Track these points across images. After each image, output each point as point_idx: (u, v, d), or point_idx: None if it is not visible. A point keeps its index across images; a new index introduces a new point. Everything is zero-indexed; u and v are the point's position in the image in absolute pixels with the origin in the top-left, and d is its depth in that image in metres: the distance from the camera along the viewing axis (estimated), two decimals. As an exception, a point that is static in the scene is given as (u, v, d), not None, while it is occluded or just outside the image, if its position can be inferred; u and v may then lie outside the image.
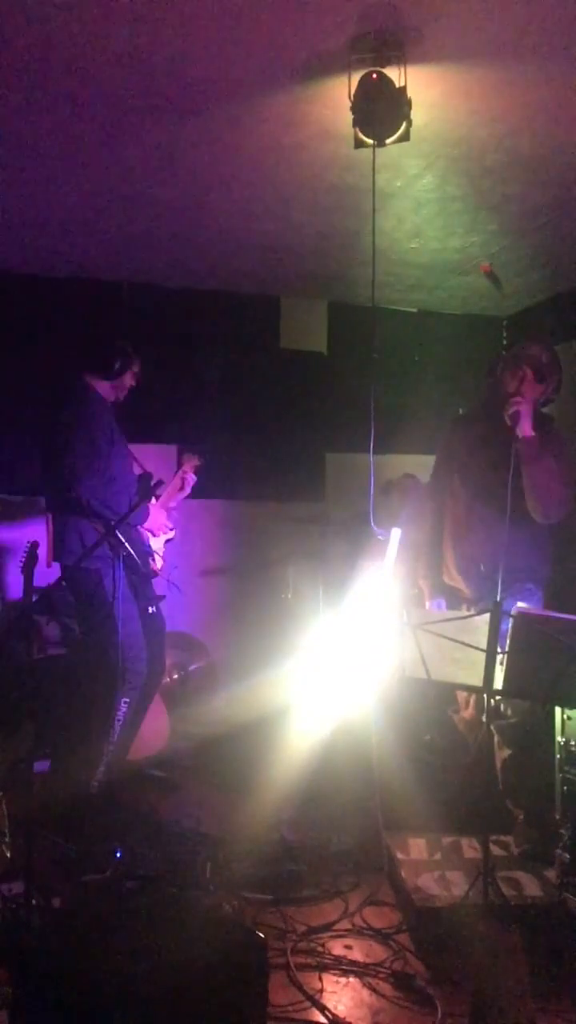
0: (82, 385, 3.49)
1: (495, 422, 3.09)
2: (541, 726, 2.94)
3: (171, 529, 3.80)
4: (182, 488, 3.86)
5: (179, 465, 4.05)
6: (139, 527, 3.56)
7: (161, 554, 3.72)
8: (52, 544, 3.51)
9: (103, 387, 3.52)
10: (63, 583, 3.38)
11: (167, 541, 3.78)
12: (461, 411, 4.70)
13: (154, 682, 3.61)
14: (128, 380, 3.57)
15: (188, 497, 3.91)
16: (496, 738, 3.03)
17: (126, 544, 3.24)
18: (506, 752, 3.07)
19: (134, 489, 3.49)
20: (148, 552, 3.61)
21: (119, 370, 3.50)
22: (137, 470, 3.65)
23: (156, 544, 3.69)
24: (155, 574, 3.65)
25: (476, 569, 3.10)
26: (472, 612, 2.63)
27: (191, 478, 3.88)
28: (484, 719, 2.66)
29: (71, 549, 3.36)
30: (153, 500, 3.71)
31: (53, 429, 3.39)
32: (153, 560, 3.64)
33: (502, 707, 3.02)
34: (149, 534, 3.64)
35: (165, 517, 3.77)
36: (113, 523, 3.06)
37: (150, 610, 3.58)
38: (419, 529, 3.33)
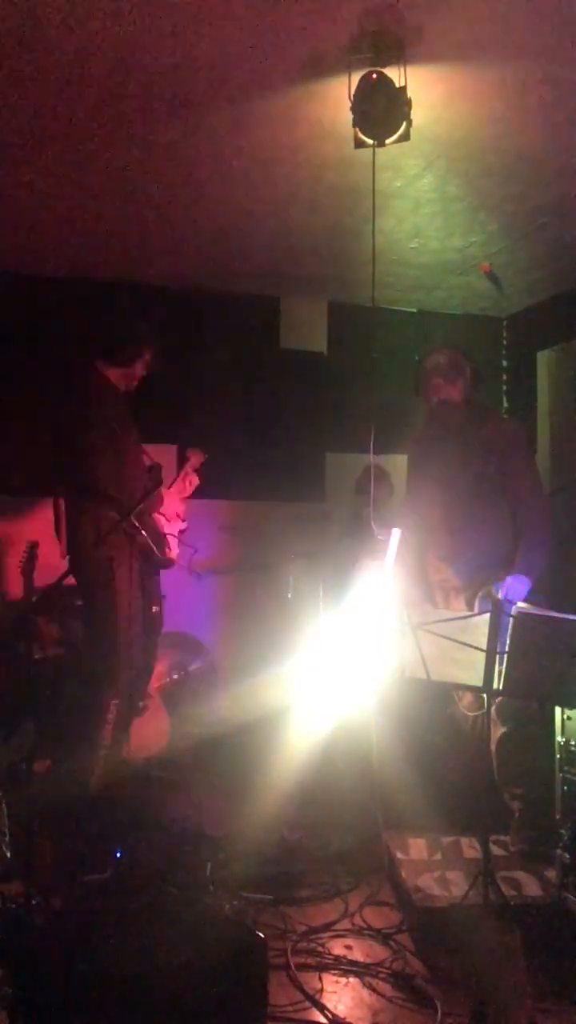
0: (93, 373, 3.43)
1: (443, 424, 3.38)
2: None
3: (183, 521, 3.76)
4: (184, 489, 3.83)
5: (184, 460, 3.96)
6: (154, 514, 3.50)
7: (175, 544, 3.66)
8: (64, 535, 3.42)
9: (114, 374, 3.45)
10: (72, 574, 3.34)
11: (180, 531, 3.73)
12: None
13: (141, 684, 3.58)
14: (139, 368, 3.50)
15: (188, 497, 3.88)
16: (493, 717, 3.07)
17: (143, 531, 3.19)
18: (501, 730, 3.09)
19: (146, 477, 3.43)
20: (163, 541, 3.54)
21: (130, 357, 3.44)
22: (146, 462, 3.61)
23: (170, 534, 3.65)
24: (171, 562, 3.59)
25: (463, 557, 3.25)
26: (472, 612, 2.64)
27: (194, 479, 3.84)
28: (483, 715, 2.67)
29: (84, 537, 3.27)
30: (165, 488, 3.67)
31: (65, 415, 3.35)
32: (169, 548, 3.57)
33: None
34: (163, 520, 3.58)
35: (176, 505, 3.71)
36: (128, 509, 3.01)
37: (153, 609, 3.55)
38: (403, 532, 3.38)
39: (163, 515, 3.59)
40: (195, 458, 3.92)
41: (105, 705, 3.26)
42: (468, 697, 3.29)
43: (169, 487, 3.76)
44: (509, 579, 3.04)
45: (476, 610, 2.97)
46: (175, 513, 3.69)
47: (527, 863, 2.87)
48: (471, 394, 3.39)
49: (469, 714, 3.29)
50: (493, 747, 3.09)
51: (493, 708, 3.07)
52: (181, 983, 1.90)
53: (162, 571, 3.69)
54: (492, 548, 3.19)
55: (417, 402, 3.54)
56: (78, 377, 3.45)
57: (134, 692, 3.49)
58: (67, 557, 3.37)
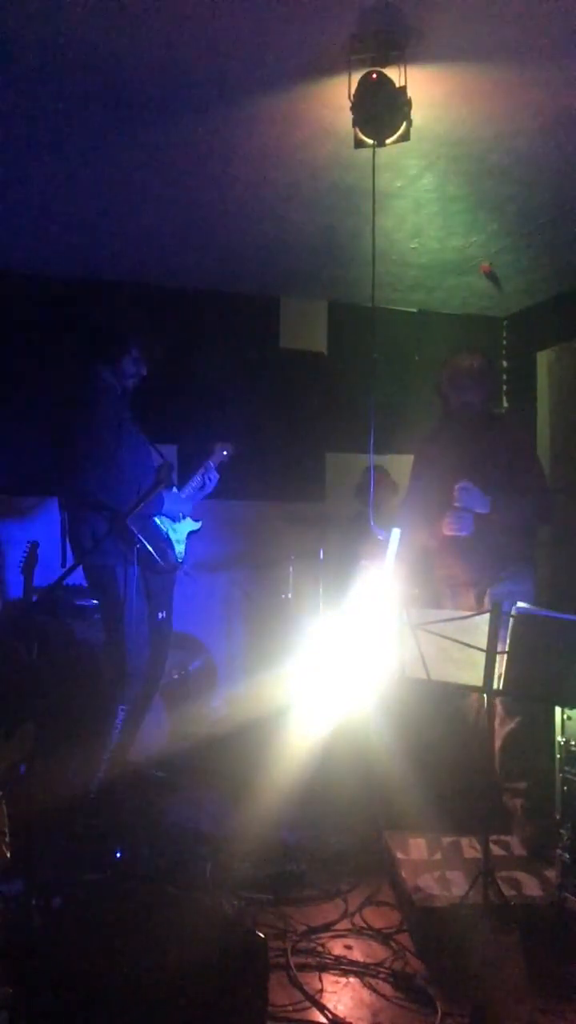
0: (88, 374, 3.41)
1: (457, 426, 3.41)
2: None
3: (195, 520, 3.70)
4: (203, 487, 3.73)
5: (209, 454, 3.85)
6: (155, 517, 3.46)
7: (183, 547, 3.60)
8: (70, 541, 3.40)
9: (108, 374, 3.43)
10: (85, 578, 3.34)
11: (191, 532, 3.67)
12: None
13: (150, 688, 3.57)
14: (130, 366, 3.44)
15: (208, 495, 3.79)
16: (500, 713, 3.11)
17: (139, 537, 3.19)
18: (509, 726, 3.12)
19: (150, 479, 3.32)
20: (167, 544, 3.50)
21: (116, 355, 3.40)
22: (157, 460, 3.56)
23: (176, 535, 3.58)
24: (175, 567, 3.55)
25: (472, 553, 3.26)
26: (472, 612, 2.64)
27: (213, 475, 3.76)
28: (485, 718, 2.67)
29: (83, 544, 3.28)
30: (174, 489, 3.63)
31: (59, 420, 3.34)
32: (173, 552, 3.53)
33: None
34: (168, 521, 3.54)
35: (186, 505, 3.64)
36: (122, 513, 3.00)
37: (160, 615, 3.53)
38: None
39: (166, 514, 3.56)
40: (221, 451, 3.82)
41: (114, 708, 3.26)
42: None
43: (181, 486, 3.73)
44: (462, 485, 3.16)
45: (486, 606, 2.99)
46: (181, 513, 3.65)
47: (527, 863, 2.87)
48: (489, 401, 3.49)
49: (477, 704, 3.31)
50: (498, 743, 3.10)
51: (501, 704, 3.12)
52: (181, 983, 1.90)
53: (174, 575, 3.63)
54: (501, 545, 3.22)
55: (417, 401, 3.55)
56: (72, 380, 3.44)
57: (143, 697, 3.48)
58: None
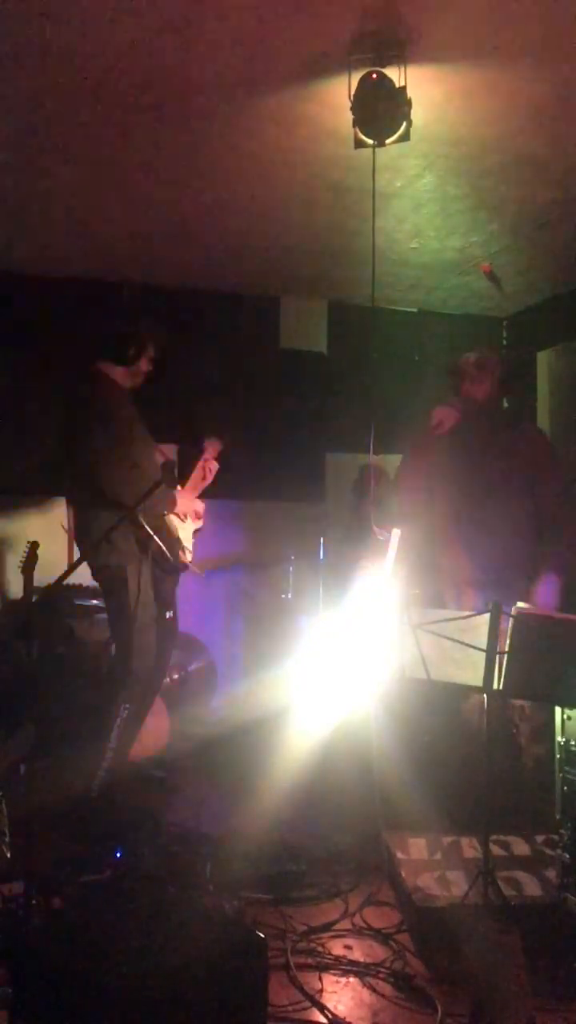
0: (97, 374, 3.40)
1: (468, 423, 3.41)
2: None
3: (199, 519, 3.70)
4: (204, 477, 3.73)
5: (201, 452, 3.86)
6: (166, 514, 3.46)
7: (190, 546, 3.61)
8: (77, 539, 3.42)
9: (119, 374, 3.42)
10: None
11: (196, 531, 3.67)
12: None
13: (154, 688, 3.57)
14: (144, 365, 3.46)
15: (207, 487, 3.79)
16: (526, 734, 3.16)
17: (154, 536, 3.17)
18: (538, 748, 3.14)
19: (158, 477, 3.40)
20: (176, 543, 3.50)
21: (134, 356, 3.41)
22: (160, 459, 3.54)
23: (184, 534, 3.58)
24: (184, 567, 3.55)
25: (479, 549, 3.29)
26: (472, 612, 2.64)
27: (213, 465, 3.76)
28: (486, 721, 2.67)
29: (95, 541, 3.24)
30: (179, 487, 3.62)
31: (70, 421, 3.34)
32: (183, 551, 3.53)
33: (526, 708, 3.18)
34: (177, 521, 3.54)
35: (193, 503, 3.66)
36: (133, 506, 2.98)
37: (168, 615, 3.52)
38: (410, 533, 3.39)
39: (178, 515, 3.56)
40: (212, 448, 3.83)
41: (117, 707, 3.26)
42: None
43: (183, 484, 3.74)
44: (539, 588, 3.14)
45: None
46: (190, 512, 3.62)
47: (527, 863, 2.87)
48: (496, 396, 3.46)
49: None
50: (532, 761, 3.15)
51: (527, 729, 3.17)
52: (181, 983, 1.90)
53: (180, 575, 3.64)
54: (509, 542, 3.24)
55: (417, 401, 3.55)
56: (81, 381, 3.44)
57: (147, 696, 3.48)
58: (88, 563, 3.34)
